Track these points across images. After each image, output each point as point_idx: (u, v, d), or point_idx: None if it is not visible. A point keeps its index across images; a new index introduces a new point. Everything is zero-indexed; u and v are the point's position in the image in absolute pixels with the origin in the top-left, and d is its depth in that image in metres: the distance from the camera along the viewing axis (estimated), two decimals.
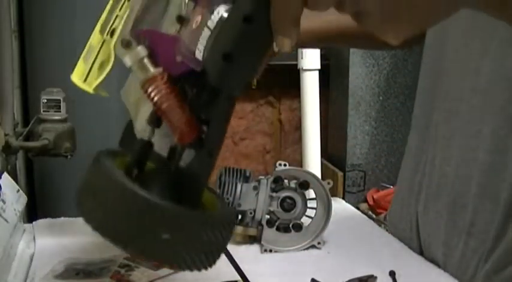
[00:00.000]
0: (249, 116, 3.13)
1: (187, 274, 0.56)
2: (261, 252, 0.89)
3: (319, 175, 1.90)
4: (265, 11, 0.46)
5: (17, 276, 0.80)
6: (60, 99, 1.69)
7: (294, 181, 0.91)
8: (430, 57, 0.89)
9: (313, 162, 2.29)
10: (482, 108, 0.77)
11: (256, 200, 0.88)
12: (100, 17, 0.87)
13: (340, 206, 1.13)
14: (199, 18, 0.48)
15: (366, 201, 2.77)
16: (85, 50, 0.86)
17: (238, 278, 0.74)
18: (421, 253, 0.90)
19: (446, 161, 0.84)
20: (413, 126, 0.96)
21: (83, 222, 1.05)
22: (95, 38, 0.87)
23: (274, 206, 0.90)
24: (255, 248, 0.90)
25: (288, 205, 0.90)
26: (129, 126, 0.75)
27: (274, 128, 3.17)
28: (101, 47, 0.83)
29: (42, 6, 2.04)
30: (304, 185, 0.90)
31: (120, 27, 0.76)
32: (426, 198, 0.88)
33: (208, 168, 0.51)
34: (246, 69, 0.49)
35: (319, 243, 0.91)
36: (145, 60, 0.52)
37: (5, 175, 0.86)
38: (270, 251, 0.89)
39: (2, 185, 0.82)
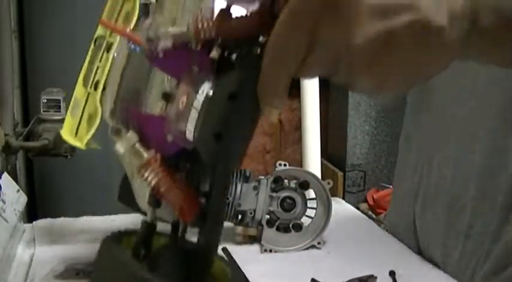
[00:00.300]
0: None
1: None
2: (261, 252, 0.89)
3: (319, 175, 1.90)
4: (249, 86, 0.46)
5: (17, 276, 0.80)
6: (60, 99, 1.69)
7: (294, 181, 0.91)
8: None
9: (313, 162, 2.28)
10: (479, 110, 0.77)
11: (256, 200, 0.88)
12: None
13: (340, 206, 1.13)
14: (184, 98, 0.48)
15: (366, 201, 2.77)
16: (71, 104, 0.87)
17: None
18: (419, 253, 0.90)
19: (444, 163, 0.84)
20: (407, 128, 0.95)
21: (82, 222, 1.05)
22: (79, 91, 0.88)
23: (274, 206, 0.90)
24: (255, 248, 0.90)
25: (288, 205, 0.90)
26: (125, 181, 0.76)
27: (274, 128, 3.16)
28: (86, 100, 0.84)
29: (42, 6, 2.04)
30: (304, 185, 0.90)
31: (103, 78, 0.76)
32: (424, 199, 0.89)
33: (213, 241, 0.51)
34: (238, 145, 0.49)
35: (319, 243, 0.91)
36: (137, 146, 0.52)
37: (5, 175, 0.86)
38: (270, 251, 0.89)
39: (2, 185, 0.82)
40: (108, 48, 0.81)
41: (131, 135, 0.52)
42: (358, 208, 2.14)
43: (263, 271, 0.82)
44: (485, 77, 0.76)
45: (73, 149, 1.70)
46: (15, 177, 1.71)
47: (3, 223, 0.79)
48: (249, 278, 0.74)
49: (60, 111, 1.69)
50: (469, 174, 0.79)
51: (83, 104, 0.85)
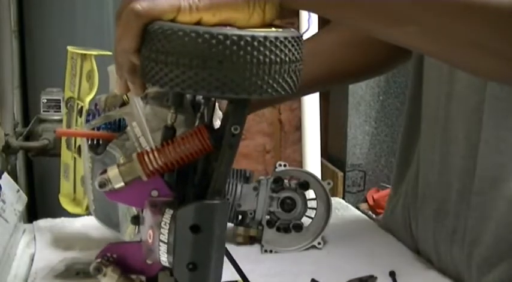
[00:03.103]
0: (249, 116, 3.13)
1: None
2: (262, 253, 0.89)
3: (319, 175, 1.90)
4: (209, 215, 0.49)
5: (17, 276, 0.80)
6: (60, 99, 1.69)
7: (294, 181, 0.91)
8: (413, 64, 0.89)
9: (313, 162, 2.29)
10: (457, 113, 0.78)
11: (257, 200, 0.88)
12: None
13: (340, 206, 1.13)
14: (150, 232, 0.50)
15: (366, 201, 2.76)
16: (62, 167, 0.89)
17: (239, 278, 0.74)
18: (418, 253, 0.90)
19: (430, 168, 0.84)
20: (403, 133, 0.96)
21: (82, 222, 1.05)
22: (65, 155, 0.90)
23: (275, 207, 0.90)
24: (255, 248, 0.90)
25: (288, 205, 0.90)
26: None
27: (274, 128, 3.16)
28: (74, 164, 0.86)
29: (42, 6, 2.04)
30: (304, 186, 0.90)
31: (84, 144, 0.78)
32: (415, 204, 0.89)
33: None
34: (213, 269, 0.51)
35: (319, 243, 0.91)
36: (122, 279, 0.54)
37: (5, 175, 0.86)
38: (271, 251, 0.89)
39: (2, 185, 0.82)
40: (80, 112, 0.83)
41: (112, 272, 0.54)
42: (358, 208, 2.14)
43: (263, 271, 0.82)
44: (463, 81, 0.76)
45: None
46: (15, 177, 1.71)
47: (3, 223, 0.79)
48: (250, 278, 0.73)
49: (60, 111, 1.69)
50: (452, 179, 0.79)
51: (73, 167, 0.87)
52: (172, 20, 0.47)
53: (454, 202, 0.79)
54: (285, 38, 0.46)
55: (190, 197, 0.51)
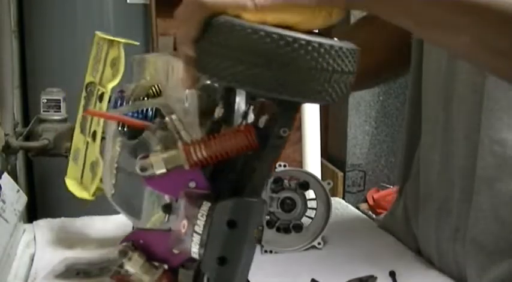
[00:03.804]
0: None
1: None
2: (262, 253, 0.89)
3: (319, 175, 1.90)
4: (247, 212, 0.50)
5: (17, 276, 0.80)
6: (60, 99, 1.69)
7: (294, 181, 0.91)
8: (413, 64, 0.90)
9: (313, 162, 2.28)
10: (457, 113, 0.78)
11: None
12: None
13: (340, 206, 1.13)
14: (185, 222, 0.51)
15: (366, 201, 2.77)
16: (72, 150, 0.89)
17: None
18: (418, 253, 0.90)
19: (430, 167, 0.84)
20: (404, 133, 0.96)
21: (82, 222, 1.05)
22: (78, 139, 0.89)
23: (274, 207, 0.90)
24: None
25: (288, 206, 0.90)
26: None
27: None
28: (86, 148, 0.86)
29: (42, 6, 2.04)
30: (304, 186, 0.90)
31: (99, 129, 0.77)
32: (416, 203, 0.89)
33: None
34: (242, 266, 0.52)
35: (319, 243, 0.91)
36: (147, 265, 0.55)
37: (5, 175, 0.87)
38: (271, 251, 0.89)
39: (2, 185, 0.82)
40: (100, 98, 0.83)
41: (138, 257, 0.54)
42: (358, 208, 2.14)
43: (263, 272, 0.82)
44: (462, 81, 0.76)
45: None
46: (15, 177, 1.71)
47: (3, 223, 0.79)
48: (250, 279, 0.74)
49: (60, 111, 1.69)
50: (453, 178, 0.79)
51: (84, 152, 0.87)
52: (235, 17, 0.48)
53: (456, 201, 0.79)
54: (347, 49, 0.48)
55: (225, 193, 0.51)
